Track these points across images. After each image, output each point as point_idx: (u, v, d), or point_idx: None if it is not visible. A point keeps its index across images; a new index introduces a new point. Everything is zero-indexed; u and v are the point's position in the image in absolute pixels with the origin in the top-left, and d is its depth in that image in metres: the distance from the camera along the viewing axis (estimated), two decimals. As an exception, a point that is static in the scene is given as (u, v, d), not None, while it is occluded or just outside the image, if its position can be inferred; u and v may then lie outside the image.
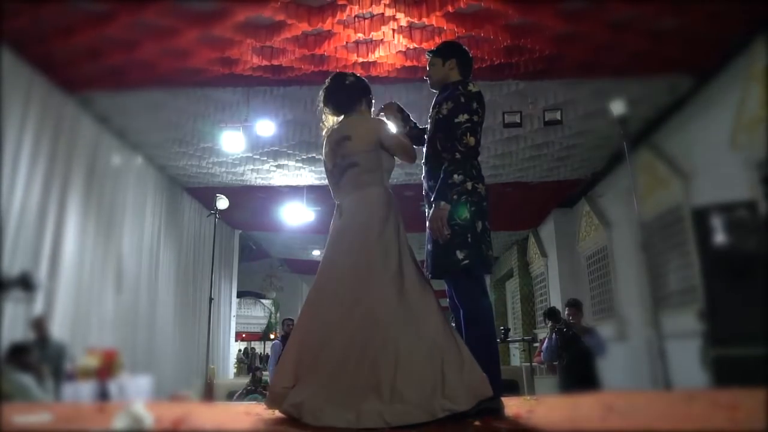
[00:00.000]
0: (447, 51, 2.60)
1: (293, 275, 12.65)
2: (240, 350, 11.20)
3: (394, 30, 4.22)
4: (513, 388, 6.12)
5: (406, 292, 2.23)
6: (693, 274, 4.58)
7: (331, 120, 2.59)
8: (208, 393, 5.76)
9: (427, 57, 2.64)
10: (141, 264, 5.76)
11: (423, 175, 2.51)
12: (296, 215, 7.49)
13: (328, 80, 2.61)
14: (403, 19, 4.09)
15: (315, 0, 4.00)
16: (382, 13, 4.08)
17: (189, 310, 6.95)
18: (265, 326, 12.44)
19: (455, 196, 2.27)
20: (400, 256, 2.30)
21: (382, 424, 1.93)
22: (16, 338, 3.53)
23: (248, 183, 6.88)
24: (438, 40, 4.14)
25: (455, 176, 2.28)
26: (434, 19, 4.06)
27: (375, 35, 4.27)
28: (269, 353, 7.64)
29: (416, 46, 4.34)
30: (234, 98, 5.14)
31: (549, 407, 2.61)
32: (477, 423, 2.03)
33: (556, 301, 7.72)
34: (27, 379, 3.18)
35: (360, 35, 4.26)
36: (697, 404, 2.35)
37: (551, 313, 5.32)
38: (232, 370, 9.03)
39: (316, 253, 10.19)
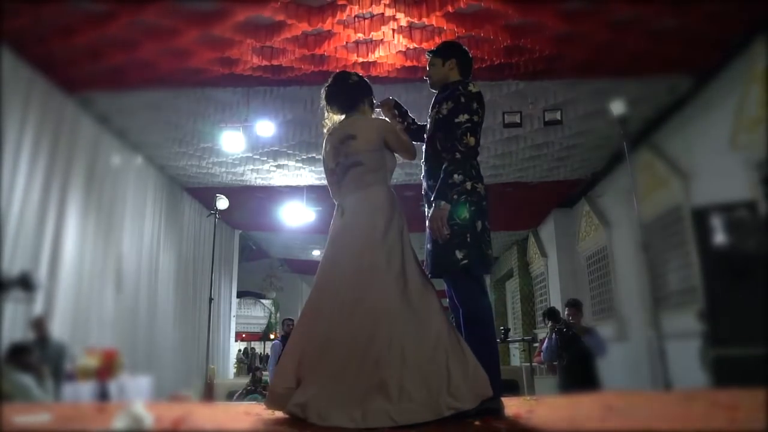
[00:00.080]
0: (447, 51, 2.61)
1: (293, 275, 12.65)
2: (240, 350, 11.20)
3: (394, 30, 4.22)
4: (513, 388, 6.12)
5: (409, 292, 2.23)
6: (693, 274, 4.58)
7: (332, 119, 2.59)
8: (208, 393, 5.76)
9: (427, 57, 2.64)
10: (141, 264, 5.76)
11: (422, 174, 2.51)
12: (296, 215, 7.49)
13: (331, 79, 2.61)
14: (403, 19, 4.09)
15: (315, 0, 4.00)
16: (382, 13, 4.08)
17: (189, 310, 6.95)
18: (265, 326, 12.44)
19: (455, 196, 2.27)
20: (403, 256, 2.31)
21: (390, 423, 1.93)
22: (16, 338, 3.54)
23: (248, 183, 6.88)
24: (438, 40, 4.14)
25: (455, 176, 2.28)
26: (434, 19, 4.06)
27: (375, 35, 4.28)
28: (269, 353, 7.64)
29: (416, 46, 4.34)
30: (234, 98, 5.14)
31: (549, 407, 2.61)
32: (477, 423, 2.03)
33: (556, 301, 7.72)
34: (27, 379, 3.18)
35: (360, 35, 4.26)
36: (697, 404, 2.35)
37: (551, 313, 5.32)
38: (232, 370, 9.03)
39: (316, 253, 10.20)
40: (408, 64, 4.56)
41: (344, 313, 2.20)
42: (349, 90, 2.57)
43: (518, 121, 5.04)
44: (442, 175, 2.30)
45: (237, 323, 9.82)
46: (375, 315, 2.15)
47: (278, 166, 6.39)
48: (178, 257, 6.85)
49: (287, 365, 2.25)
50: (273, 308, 12.54)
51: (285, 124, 5.38)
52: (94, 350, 4.14)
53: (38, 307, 3.95)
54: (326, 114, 2.60)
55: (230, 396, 6.30)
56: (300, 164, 6.30)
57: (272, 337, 11.66)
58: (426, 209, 2.46)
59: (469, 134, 2.32)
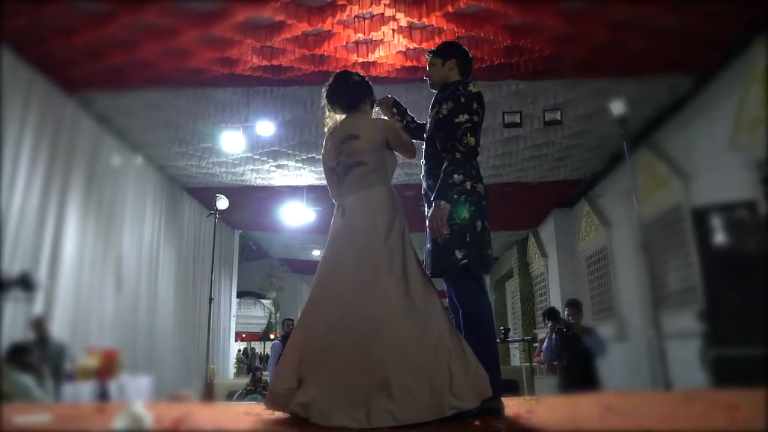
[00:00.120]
0: (447, 51, 2.61)
1: (293, 275, 12.65)
2: (239, 350, 11.20)
3: (394, 30, 4.22)
4: (513, 388, 6.12)
5: (411, 292, 2.23)
6: (693, 274, 4.58)
7: (334, 118, 2.59)
8: (208, 393, 5.76)
9: (427, 57, 2.65)
10: (141, 264, 5.76)
11: (422, 174, 2.51)
12: (296, 215, 7.49)
13: (332, 78, 2.61)
14: (403, 19, 4.09)
15: (315, 0, 4.00)
16: (382, 13, 4.08)
17: (189, 310, 6.95)
18: (265, 326, 12.44)
19: (455, 196, 2.27)
20: (404, 257, 2.31)
21: (393, 422, 1.93)
22: (16, 338, 3.53)
23: (248, 183, 6.88)
24: (438, 40, 4.15)
25: (455, 176, 2.28)
26: (434, 19, 4.06)
27: (375, 35, 4.28)
28: (269, 353, 7.64)
29: (416, 46, 4.34)
30: (234, 98, 5.14)
31: (549, 407, 2.61)
32: (477, 423, 2.03)
33: (556, 301, 7.72)
34: (27, 379, 3.18)
35: (360, 35, 4.26)
36: (697, 404, 2.35)
37: (551, 313, 5.32)
38: (232, 370, 9.03)
39: (316, 253, 10.20)
40: (408, 64, 4.56)
41: (346, 313, 2.19)
42: (351, 90, 2.57)
43: (518, 121, 5.04)
44: (442, 175, 2.30)
45: (237, 323, 9.81)
46: (377, 315, 2.15)
47: (278, 166, 6.39)
48: (178, 257, 6.85)
49: (287, 366, 2.25)
50: (273, 308, 12.54)
51: (285, 124, 5.38)
52: (94, 350, 4.13)
53: (38, 307, 3.95)
54: (327, 113, 2.60)
55: (230, 396, 6.30)
56: (300, 164, 6.30)
57: (272, 337, 11.66)
58: (426, 209, 2.46)
59: (469, 134, 2.32)
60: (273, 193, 7.30)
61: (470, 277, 2.34)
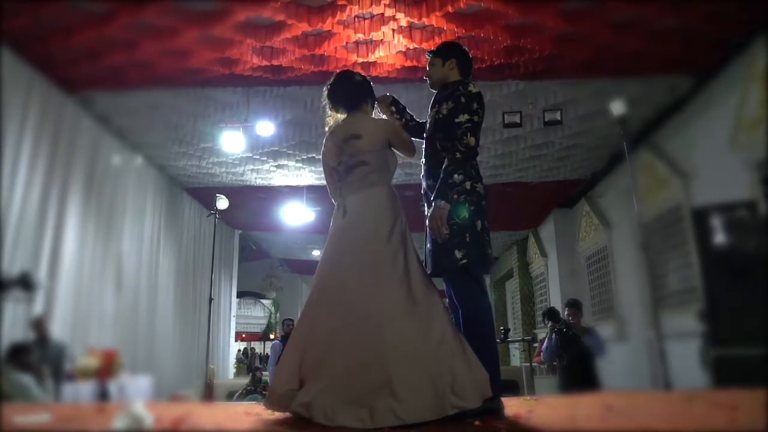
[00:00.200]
0: (447, 51, 2.61)
1: (293, 275, 12.65)
2: (239, 350, 11.19)
3: (394, 30, 4.22)
4: (513, 388, 6.12)
5: (413, 292, 2.23)
6: (693, 274, 4.58)
7: (334, 117, 2.59)
8: (208, 393, 5.76)
9: (427, 57, 2.65)
10: (141, 264, 5.76)
11: (422, 173, 2.51)
12: (296, 215, 7.49)
13: (334, 78, 2.61)
14: (403, 19, 4.09)
15: (315, 0, 4.00)
16: (382, 13, 4.08)
17: (189, 310, 6.95)
18: (265, 326, 12.44)
19: (455, 196, 2.27)
20: (406, 257, 2.31)
21: (397, 422, 1.94)
22: (16, 338, 3.53)
23: (248, 183, 6.88)
24: (438, 40, 4.15)
25: (455, 176, 2.28)
26: (434, 19, 4.06)
27: (375, 35, 4.27)
28: (269, 353, 7.64)
29: (416, 46, 4.34)
30: (234, 98, 5.14)
31: (549, 407, 2.61)
32: (477, 423, 2.03)
33: (556, 301, 7.72)
34: (27, 379, 3.18)
35: (360, 35, 4.26)
36: (697, 404, 2.35)
37: (551, 313, 5.32)
38: (231, 370, 9.03)
39: (316, 253, 10.19)
40: (408, 64, 4.56)
41: (348, 312, 2.19)
42: (354, 89, 2.57)
43: (518, 121, 5.04)
44: (441, 175, 2.30)
45: (237, 323, 9.81)
46: (380, 315, 2.15)
47: (278, 166, 6.39)
48: (178, 257, 6.85)
49: (288, 366, 2.25)
50: (273, 308, 12.54)
51: (285, 124, 5.38)
52: (94, 350, 4.14)
53: (38, 307, 3.95)
54: (328, 112, 2.60)
55: (230, 396, 6.30)
56: (300, 164, 6.30)
57: (272, 337, 11.66)
58: (425, 208, 2.46)
59: (469, 134, 2.32)
60: (273, 193, 7.30)
61: (470, 277, 2.34)
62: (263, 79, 4.80)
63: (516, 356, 10.12)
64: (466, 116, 2.33)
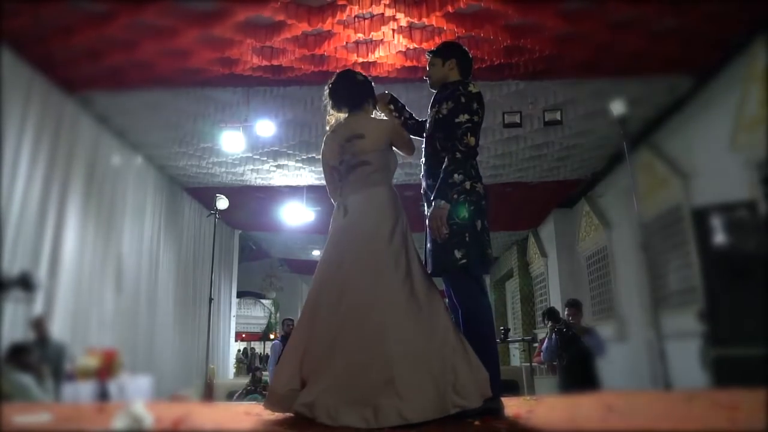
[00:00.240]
0: (447, 51, 2.61)
1: (293, 275, 12.65)
2: (239, 350, 11.19)
3: (394, 30, 4.22)
4: (513, 388, 6.12)
5: (416, 292, 2.23)
6: (693, 274, 4.58)
7: (335, 116, 2.60)
8: (208, 393, 5.76)
9: (427, 57, 2.65)
10: (141, 264, 5.76)
11: (422, 173, 2.51)
12: (296, 215, 7.49)
13: (336, 77, 2.61)
14: (403, 19, 4.09)
15: (315, 0, 4.00)
16: (382, 13, 4.08)
17: (189, 310, 6.95)
18: (265, 326, 12.44)
19: (455, 196, 2.27)
20: (408, 257, 2.31)
21: (401, 421, 1.94)
22: (16, 338, 3.53)
23: (248, 183, 6.88)
24: (438, 40, 4.14)
25: (455, 176, 2.28)
26: (434, 19, 4.06)
27: (375, 35, 4.27)
28: (269, 353, 7.64)
29: (416, 46, 4.34)
30: (234, 98, 5.14)
31: (549, 407, 2.61)
32: (477, 423, 2.03)
33: (556, 301, 7.72)
34: (27, 379, 3.18)
35: (360, 35, 4.26)
36: (697, 404, 2.35)
37: (551, 313, 5.32)
38: (231, 370, 9.03)
39: (316, 253, 10.19)
40: (408, 64, 4.56)
41: (351, 312, 2.18)
42: (356, 89, 2.57)
43: (518, 121, 5.04)
44: (441, 175, 2.30)
45: (237, 323, 9.82)
46: (384, 314, 2.15)
47: (278, 166, 6.39)
48: (178, 257, 6.85)
49: (288, 367, 2.24)
50: (273, 308, 12.55)
51: (285, 124, 5.38)
52: (94, 350, 4.13)
53: (38, 307, 3.95)
54: (330, 111, 2.60)
55: (230, 396, 6.30)
56: (300, 164, 6.30)
57: (272, 337, 11.66)
58: (425, 208, 2.46)
59: (469, 134, 2.32)
60: (273, 193, 7.30)
61: (470, 277, 2.34)
62: (263, 79, 4.80)
63: (516, 356, 10.13)
64: (466, 116, 2.33)
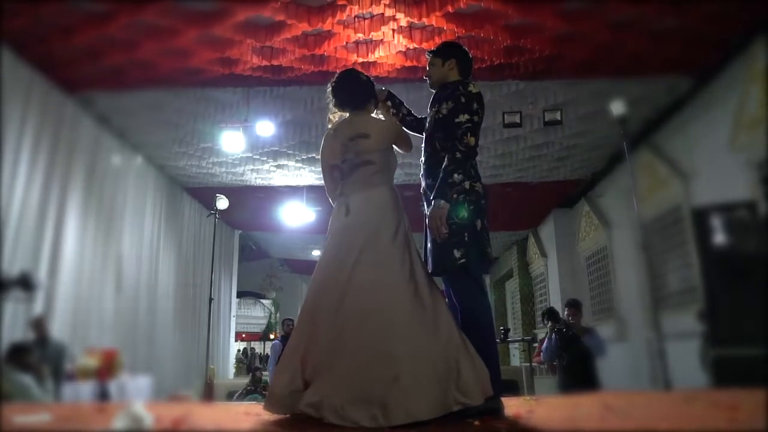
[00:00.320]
0: (447, 51, 2.61)
1: (293, 275, 12.65)
2: (239, 350, 11.19)
3: (394, 30, 4.22)
4: (513, 388, 6.13)
5: (420, 291, 2.24)
6: (693, 274, 4.58)
7: (337, 115, 2.60)
8: (208, 393, 5.76)
9: (427, 57, 2.65)
10: (141, 264, 5.76)
11: (421, 173, 2.52)
12: (296, 215, 7.49)
13: (339, 76, 2.61)
14: (403, 19, 4.09)
15: (315, 0, 4.00)
16: (382, 13, 4.08)
17: (189, 310, 6.95)
18: (264, 326, 12.44)
19: (454, 195, 2.27)
20: (411, 257, 2.32)
21: (408, 419, 1.94)
22: (16, 338, 3.53)
23: (248, 183, 6.88)
24: (438, 40, 4.15)
25: (455, 175, 2.28)
26: (434, 19, 4.06)
27: (375, 35, 4.28)
28: (269, 353, 7.64)
29: (416, 46, 4.34)
30: (234, 98, 5.14)
31: (549, 407, 2.61)
32: (477, 423, 2.03)
33: (556, 301, 7.72)
34: (27, 379, 3.18)
35: (360, 35, 4.26)
36: (697, 404, 2.35)
37: (550, 314, 5.32)
38: (231, 370, 9.04)
39: (316, 253, 10.19)
40: (408, 64, 4.56)
41: (356, 311, 2.18)
42: (360, 89, 2.58)
43: (518, 121, 5.04)
44: (441, 174, 2.30)
45: (237, 323, 9.82)
46: (390, 312, 2.15)
47: (278, 166, 6.39)
48: (178, 257, 6.85)
49: (290, 367, 2.22)
50: (273, 308, 12.54)
51: (285, 124, 5.38)
52: (94, 350, 4.13)
53: (38, 307, 3.95)
54: (332, 109, 2.61)
55: (230, 396, 6.31)
56: (300, 164, 6.30)
57: (272, 337, 11.66)
58: (425, 208, 2.46)
59: (469, 134, 2.32)
60: (273, 193, 7.30)
61: (469, 277, 2.34)
62: (263, 79, 4.80)
63: (516, 356, 10.12)
64: (467, 116, 2.33)
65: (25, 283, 3.35)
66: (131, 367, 4.53)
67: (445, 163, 2.31)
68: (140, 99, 5.02)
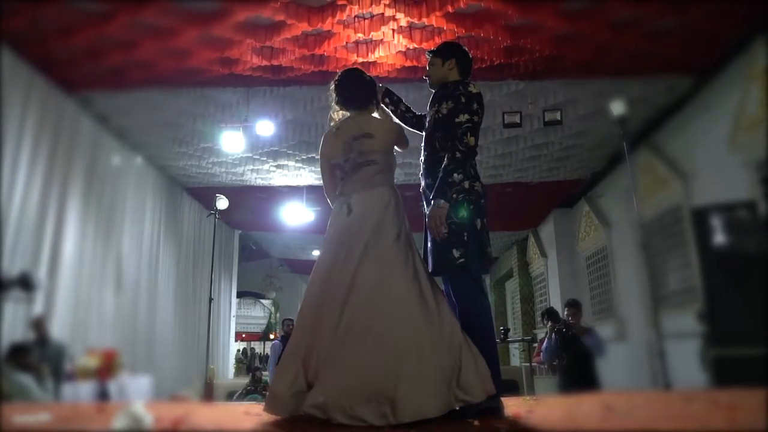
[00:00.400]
0: (447, 51, 2.61)
1: (293, 275, 12.64)
2: (238, 350, 11.19)
3: (394, 30, 4.22)
4: (513, 388, 6.12)
5: (423, 290, 2.24)
6: (693, 274, 4.58)
7: (339, 114, 2.60)
8: (208, 393, 5.76)
9: (427, 57, 2.65)
10: (141, 264, 5.76)
11: (420, 172, 2.52)
12: (296, 215, 7.49)
13: (343, 75, 2.61)
14: (403, 19, 4.09)
15: (315, 0, 4.00)
16: (382, 13, 4.08)
17: (189, 310, 6.95)
18: (264, 326, 12.43)
19: (454, 195, 2.27)
20: (414, 257, 2.33)
21: (419, 416, 1.94)
22: (16, 338, 3.53)
23: (248, 183, 6.88)
24: (438, 40, 4.15)
25: (455, 175, 2.28)
26: (434, 19, 4.06)
27: (375, 35, 4.28)
28: (269, 353, 7.64)
29: (416, 46, 4.34)
30: (234, 98, 5.14)
31: (549, 407, 2.61)
32: (477, 423, 2.03)
33: (556, 301, 7.72)
34: (27, 379, 3.18)
35: (360, 35, 4.26)
36: (697, 404, 2.35)
37: (550, 314, 5.32)
38: (231, 370, 9.04)
39: (316, 253, 10.13)
40: (408, 64, 4.56)
41: (361, 309, 2.17)
42: (364, 88, 2.59)
43: (518, 121, 5.04)
44: (441, 174, 2.31)
45: (237, 323, 9.81)
46: (395, 311, 2.16)
47: (278, 166, 6.39)
48: (178, 257, 6.85)
49: (291, 368, 2.21)
50: (273, 308, 12.54)
51: (285, 124, 5.38)
52: (94, 350, 4.14)
53: (38, 307, 3.95)
54: (335, 108, 2.61)
55: (230, 396, 6.30)
56: (300, 164, 6.30)
57: (272, 337, 11.66)
58: (425, 208, 2.46)
59: (469, 134, 2.32)
60: (273, 193, 7.30)
61: (469, 277, 2.34)
62: (263, 79, 4.80)
63: (516, 356, 10.12)
64: (467, 116, 2.33)
65: (25, 283, 3.36)
66: (131, 367, 4.53)
67: (444, 163, 2.31)
68: (140, 99, 5.02)
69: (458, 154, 2.29)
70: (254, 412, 2.41)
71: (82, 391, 3.74)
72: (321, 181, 2.65)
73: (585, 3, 3.99)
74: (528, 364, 6.58)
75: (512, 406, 2.42)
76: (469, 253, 2.28)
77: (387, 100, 2.73)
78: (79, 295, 4.53)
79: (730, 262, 3.34)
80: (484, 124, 2.46)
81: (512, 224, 8.90)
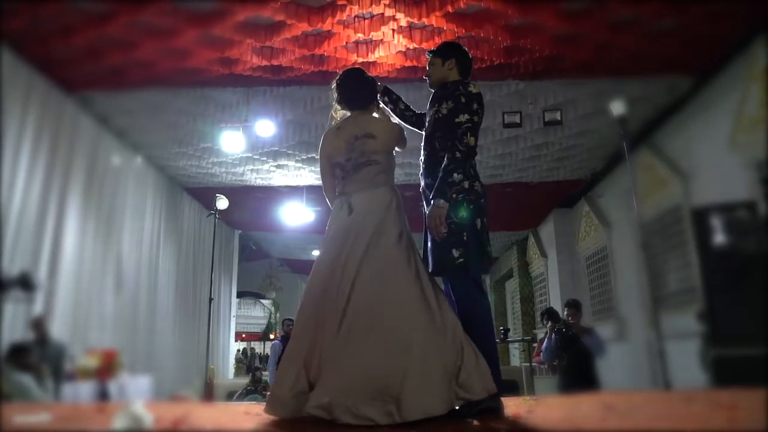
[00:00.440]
0: (447, 51, 2.61)
1: (293, 275, 12.64)
2: (238, 350, 11.19)
3: (394, 30, 4.22)
4: (513, 388, 6.12)
5: (425, 290, 2.24)
6: (693, 274, 4.58)
7: (340, 113, 2.60)
8: (208, 393, 5.76)
9: (427, 57, 2.65)
10: (141, 264, 5.76)
11: (420, 172, 2.52)
12: (296, 215, 7.49)
13: (346, 75, 2.62)
14: (403, 19, 4.09)
15: (315, 0, 4.00)
16: (382, 13, 4.08)
17: (189, 310, 6.95)
18: (264, 326, 12.44)
19: (454, 195, 2.27)
20: (415, 257, 2.33)
21: (424, 414, 1.94)
22: (16, 338, 3.53)
23: (248, 183, 6.88)
24: (438, 40, 4.15)
25: (455, 175, 2.28)
26: (434, 19, 4.06)
27: (375, 35, 4.28)
28: (269, 353, 7.64)
29: (416, 46, 4.34)
30: (234, 98, 5.14)
31: (549, 407, 2.61)
32: (477, 423, 2.03)
33: (556, 301, 7.72)
34: (27, 379, 3.18)
35: (360, 35, 4.26)
36: (697, 404, 2.35)
37: (550, 314, 5.32)
38: (231, 370, 9.04)
39: (316, 253, 10.13)
40: (408, 64, 4.56)
41: (364, 309, 2.16)
42: (366, 89, 2.60)
43: (518, 121, 5.04)
44: (441, 174, 2.31)
45: (237, 323, 9.81)
46: (399, 310, 2.16)
47: (278, 166, 6.39)
48: (178, 257, 6.85)
49: (292, 369, 2.20)
50: (273, 308, 12.54)
51: (285, 124, 5.38)
52: (94, 350, 4.14)
53: (38, 307, 3.95)
54: (337, 107, 2.61)
55: (230, 396, 6.31)
56: (300, 164, 6.30)
57: (272, 337, 11.66)
58: (425, 208, 2.46)
59: (469, 134, 2.32)
60: (273, 193, 7.30)
61: (468, 277, 2.34)
62: (263, 79, 4.80)
63: (516, 356, 10.12)
64: (467, 116, 2.33)
65: (25, 283, 3.36)
66: (131, 367, 4.53)
67: (444, 163, 2.31)
68: (140, 99, 5.02)
69: (458, 154, 2.29)
70: (254, 412, 2.41)
71: (82, 391, 3.74)
72: (320, 182, 2.64)
73: (585, 3, 4.00)
74: (528, 364, 6.58)
75: (512, 406, 2.42)
76: (469, 253, 2.28)
77: (386, 98, 2.74)
78: (79, 295, 4.53)
79: (730, 262, 3.35)
80: (484, 124, 2.46)
81: (512, 224, 8.90)
